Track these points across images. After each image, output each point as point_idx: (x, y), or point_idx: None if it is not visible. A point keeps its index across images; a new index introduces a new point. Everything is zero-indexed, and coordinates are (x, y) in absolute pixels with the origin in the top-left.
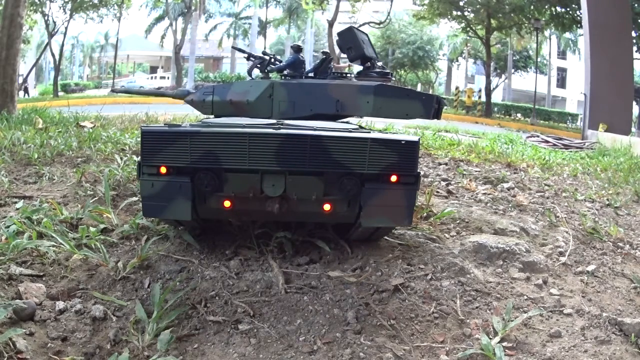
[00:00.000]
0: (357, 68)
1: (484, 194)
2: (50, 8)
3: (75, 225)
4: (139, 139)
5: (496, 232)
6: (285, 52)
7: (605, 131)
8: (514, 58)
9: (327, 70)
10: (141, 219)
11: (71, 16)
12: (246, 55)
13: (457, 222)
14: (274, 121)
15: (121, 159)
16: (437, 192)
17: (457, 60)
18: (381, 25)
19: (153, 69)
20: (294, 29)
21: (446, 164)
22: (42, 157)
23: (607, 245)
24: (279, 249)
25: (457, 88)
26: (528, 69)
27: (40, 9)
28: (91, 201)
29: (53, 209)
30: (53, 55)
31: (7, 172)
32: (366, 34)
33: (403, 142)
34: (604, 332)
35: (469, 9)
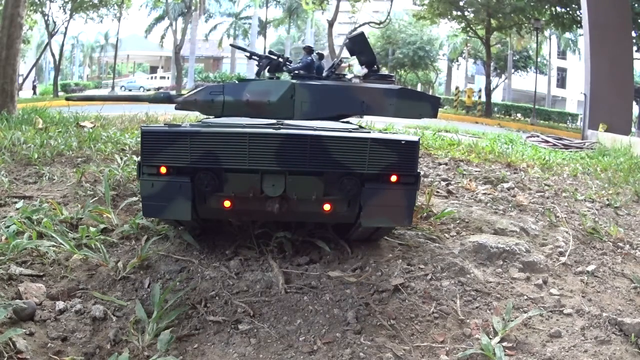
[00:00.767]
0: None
1: (484, 194)
2: (50, 8)
3: (75, 225)
4: (139, 139)
5: (496, 232)
6: (285, 52)
7: (605, 131)
8: (514, 58)
9: (331, 71)
10: (141, 219)
11: (71, 16)
12: (248, 54)
13: (457, 222)
14: (274, 121)
15: (121, 159)
16: (437, 192)
17: (457, 60)
18: (381, 25)
19: (153, 69)
20: (294, 29)
21: (446, 164)
22: (42, 157)
23: (607, 245)
24: (279, 249)
25: (457, 88)
26: (528, 69)
27: (40, 9)
28: (91, 201)
29: (53, 209)
30: (53, 55)
31: (7, 172)
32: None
33: (403, 142)
34: (604, 332)
35: (469, 9)
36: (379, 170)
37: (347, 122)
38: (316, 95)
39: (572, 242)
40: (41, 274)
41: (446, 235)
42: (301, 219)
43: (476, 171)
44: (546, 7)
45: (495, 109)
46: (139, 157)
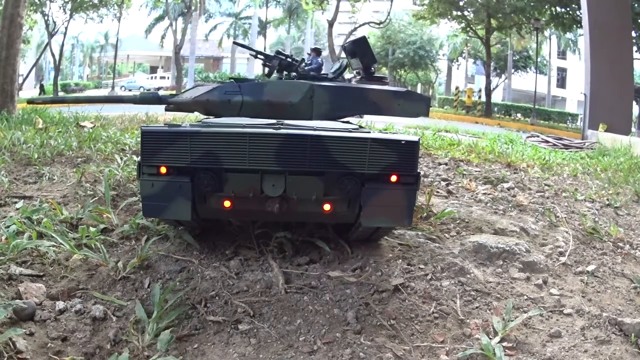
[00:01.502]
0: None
1: (484, 194)
2: (50, 8)
3: (75, 225)
4: (139, 139)
5: (496, 232)
6: (285, 52)
7: (605, 131)
8: (514, 58)
9: (338, 73)
10: (141, 219)
11: (71, 16)
12: (254, 52)
13: (457, 222)
14: (274, 121)
15: (121, 159)
16: (437, 192)
17: (457, 60)
18: (381, 25)
19: (153, 69)
20: (294, 29)
21: (446, 164)
22: (42, 157)
23: (607, 245)
24: (279, 249)
25: (457, 88)
26: (528, 69)
27: (40, 9)
28: (91, 201)
29: (53, 209)
30: (53, 55)
31: (7, 172)
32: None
33: (403, 142)
34: (604, 332)
35: (469, 9)
36: (379, 170)
37: (347, 122)
38: (333, 97)
39: (572, 242)
40: (41, 274)
41: (446, 235)
42: (301, 219)
43: (476, 171)
44: (546, 7)
45: (495, 109)
46: (139, 157)
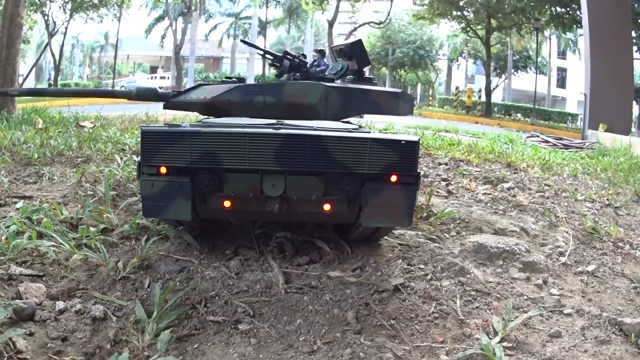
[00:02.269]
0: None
1: (484, 194)
2: (50, 8)
3: (75, 225)
4: (139, 139)
5: (496, 232)
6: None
7: (605, 131)
8: (514, 58)
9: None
10: (141, 219)
11: (71, 16)
12: (262, 52)
13: (457, 222)
14: (274, 121)
15: (121, 159)
16: (437, 192)
17: (457, 60)
18: (381, 25)
19: (153, 69)
20: (294, 29)
21: (446, 164)
22: (42, 157)
23: (607, 245)
24: (279, 249)
25: (457, 88)
26: (528, 69)
27: (40, 9)
28: (91, 201)
29: (53, 209)
30: (53, 55)
31: (7, 172)
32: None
33: (403, 142)
34: (604, 332)
35: (469, 9)
36: (379, 170)
37: (347, 122)
38: (344, 98)
39: (572, 242)
40: (41, 274)
41: (446, 235)
42: (301, 219)
43: (476, 171)
44: (546, 7)
45: (495, 109)
46: (139, 157)
